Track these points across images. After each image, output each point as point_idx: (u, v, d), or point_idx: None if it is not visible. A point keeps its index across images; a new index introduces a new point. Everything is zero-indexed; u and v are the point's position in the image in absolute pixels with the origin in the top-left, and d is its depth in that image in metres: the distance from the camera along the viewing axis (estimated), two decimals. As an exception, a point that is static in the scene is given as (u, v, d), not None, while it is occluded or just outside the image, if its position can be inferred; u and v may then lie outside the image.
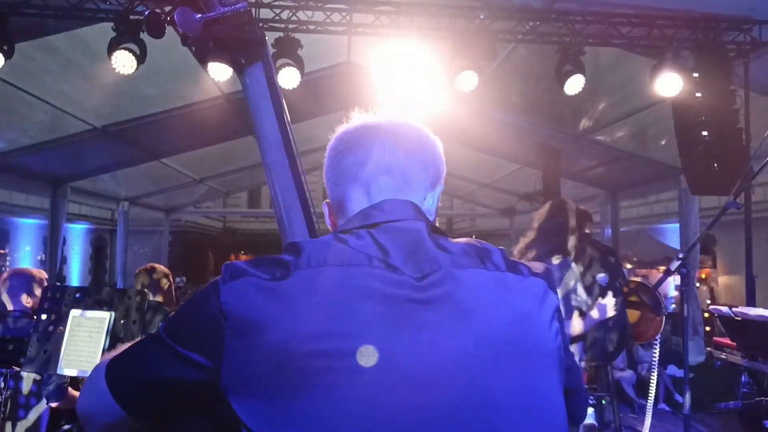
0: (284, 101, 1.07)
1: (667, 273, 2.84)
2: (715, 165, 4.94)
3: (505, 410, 0.82)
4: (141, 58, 4.66)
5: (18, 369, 2.75)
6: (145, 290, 2.55)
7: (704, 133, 4.96)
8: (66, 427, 3.19)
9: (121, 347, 0.95)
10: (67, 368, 2.45)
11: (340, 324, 0.81)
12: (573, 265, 3.41)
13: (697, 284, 8.22)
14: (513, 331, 0.85)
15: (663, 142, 6.84)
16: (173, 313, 0.90)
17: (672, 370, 6.70)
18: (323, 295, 0.82)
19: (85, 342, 2.45)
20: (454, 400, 0.80)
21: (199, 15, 0.95)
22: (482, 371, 0.82)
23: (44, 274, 3.43)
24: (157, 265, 3.86)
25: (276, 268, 0.85)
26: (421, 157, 1.00)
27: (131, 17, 4.66)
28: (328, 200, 1.03)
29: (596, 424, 4.03)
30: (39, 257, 11.44)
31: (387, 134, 0.98)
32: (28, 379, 3.00)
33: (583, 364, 3.52)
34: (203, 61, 0.97)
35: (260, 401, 0.80)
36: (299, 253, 0.87)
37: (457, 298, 0.85)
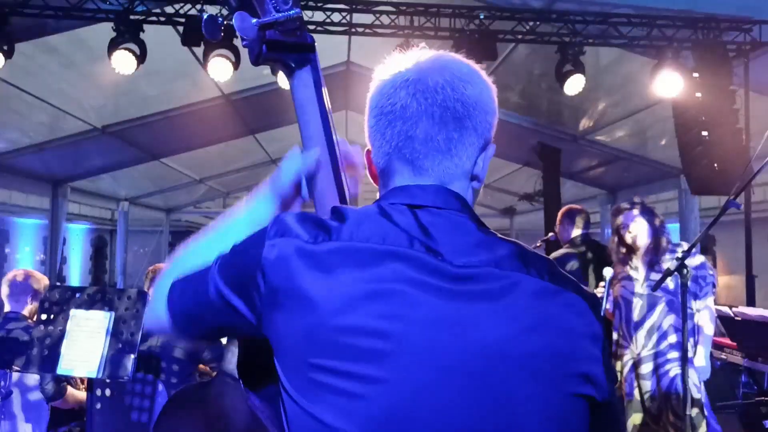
0: (330, 104, 1.09)
1: (668, 273, 2.83)
2: (715, 165, 4.94)
3: (521, 417, 0.81)
4: (141, 58, 4.66)
5: (17, 369, 2.75)
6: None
7: (704, 133, 4.95)
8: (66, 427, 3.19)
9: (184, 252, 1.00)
10: (67, 368, 2.45)
11: (372, 304, 0.81)
12: None
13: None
14: (543, 340, 0.82)
15: (663, 142, 6.84)
16: (228, 250, 0.93)
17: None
18: (359, 272, 0.82)
19: (84, 342, 2.45)
20: (471, 396, 0.80)
21: (255, 20, 0.99)
22: (504, 372, 0.81)
23: (46, 280, 3.39)
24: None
25: (319, 231, 0.86)
26: (476, 119, 0.92)
27: (131, 17, 4.67)
28: (369, 148, 0.99)
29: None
30: (39, 257, 11.44)
31: (437, 99, 0.90)
32: (28, 379, 3.00)
33: None
34: (255, 63, 1.01)
35: (287, 365, 0.83)
36: (343, 221, 0.87)
37: (493, 298, 0.83)
